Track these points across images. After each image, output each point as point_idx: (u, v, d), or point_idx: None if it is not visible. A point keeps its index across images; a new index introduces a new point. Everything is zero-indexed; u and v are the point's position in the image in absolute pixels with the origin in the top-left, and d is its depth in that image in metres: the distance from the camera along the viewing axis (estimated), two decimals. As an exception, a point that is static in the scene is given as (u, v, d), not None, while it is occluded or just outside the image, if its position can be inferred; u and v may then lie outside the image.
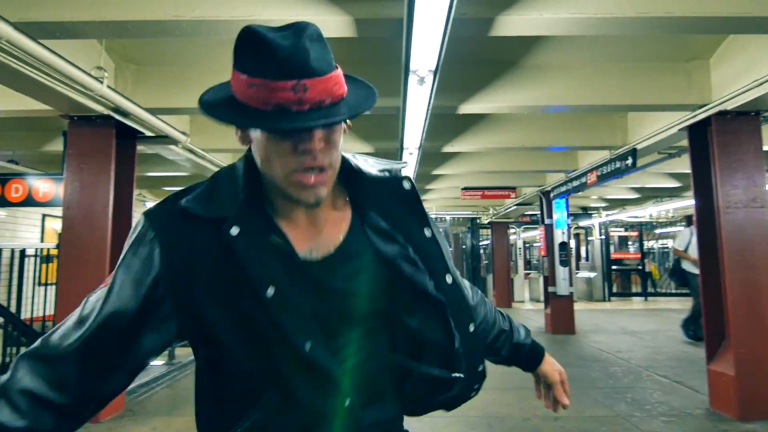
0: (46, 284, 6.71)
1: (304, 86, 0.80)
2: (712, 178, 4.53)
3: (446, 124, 6.13)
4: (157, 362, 6.28)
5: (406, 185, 1.00)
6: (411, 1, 2.43)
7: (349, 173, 0.98)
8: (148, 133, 5.01)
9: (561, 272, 9.17)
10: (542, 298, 10.76)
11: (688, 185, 9.17)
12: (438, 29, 2.71)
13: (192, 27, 3.05)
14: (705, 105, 4.61)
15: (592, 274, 16.07)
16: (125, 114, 4.55)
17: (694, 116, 4.76)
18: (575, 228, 17.03)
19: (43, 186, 6.47)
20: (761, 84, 3.94)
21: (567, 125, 6.40)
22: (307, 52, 0.81)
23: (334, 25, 3.08)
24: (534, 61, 4.69)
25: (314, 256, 0.92)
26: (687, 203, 11.40)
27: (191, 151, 6.06)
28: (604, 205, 14.66)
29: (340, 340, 0.92)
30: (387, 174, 1.00)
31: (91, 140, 4.53)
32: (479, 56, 4.48)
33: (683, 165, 5.82)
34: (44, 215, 10.66)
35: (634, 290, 17.15)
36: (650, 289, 16.59)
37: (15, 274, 6.17)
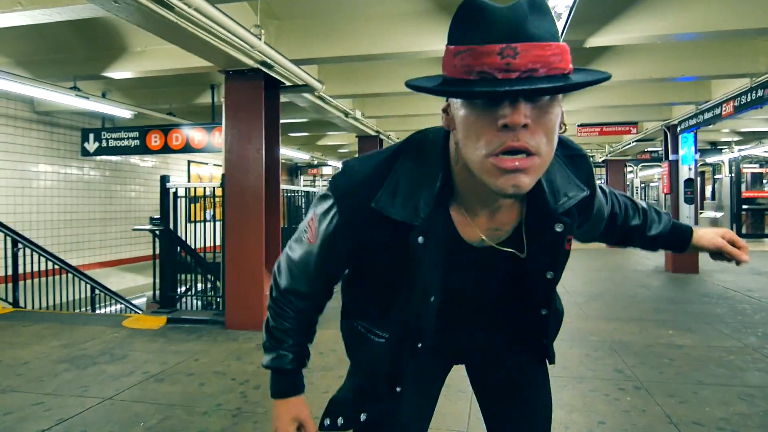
0: (195, 221, 7.34)
1: (514, 50, 0.72)
2: None
3: (575, 57, 6.04)
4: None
5: (563, 225, 0.98)
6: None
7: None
8: (288, 83, 5.54)
9: (685, 210, 8.79)
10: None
11: None
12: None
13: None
14: None
15: (719, 214, 14.99)
16: (270, 67, 5.09)
17: None
18: (701, 165, 15.80)
19: (197, 135, 7.39)
20: None
21: (700, 52, 6.01)
22: (525, 14, 0.73)
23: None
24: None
25: (477, 245, 0.99)
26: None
27: (321, 98, 6.58)
28: (737, 138, 13.41)
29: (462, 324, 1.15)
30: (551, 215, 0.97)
31: (245, 92, 5.15)
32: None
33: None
34: (189, 161, 12.03)
35: (767, 231, 15.77)
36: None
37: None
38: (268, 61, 4.87)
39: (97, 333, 5.07)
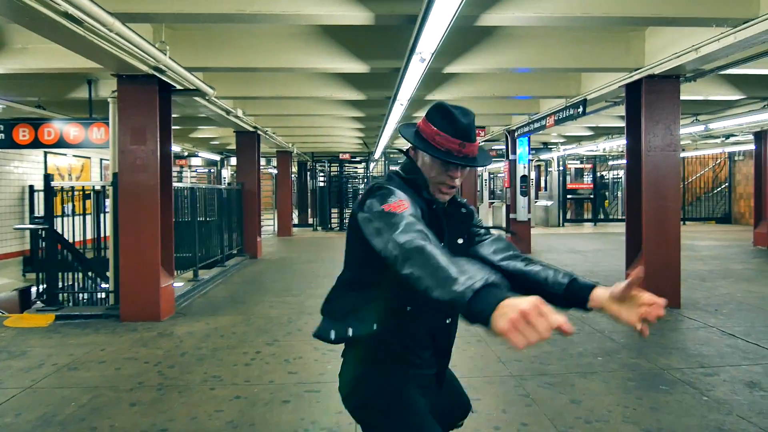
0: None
1: (464, 145, 1.47)
2: (640, 126, 5.80)
3: (433, 79, 7.14)
4: (179, 283, 7.35)
5: (467, 210, 1.68)
6: (427, 8, 3.42)
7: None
8: (180, 87, 5.86)
9: (521, 201, 10.60)
10: (504, 224, 12.22)
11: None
12: (444, 24, 3.71)
13: (250, 17, 3.96)
14: (638, 68, 5.79)
15: (549, 203, 17.76)
16: (163, 72, 5.39)
17: (630, 77, 5.95)
18: (537, 161, 18.48)
19: (73, 130, 7.22)
20: (680, 56, 5.10)
21: (531, 79, 7.54)
22: (472, 129, 1.50)
23: (354, 15, 4.05)
24: (505, 30, 5.72)
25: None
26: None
27: (208, 100, 6.92)
28: (562, 140, 16.04)
29: None
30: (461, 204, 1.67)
31: (139, 95, 5.40)
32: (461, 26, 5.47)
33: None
34: (45, 152, 11.24)
35: (586, 217, 19.10)
36: (600, 216, 18.54)
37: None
38: (162, 67, 5.18)
39: (-20, 334, 5.02)
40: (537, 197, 19.55)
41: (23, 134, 7.21)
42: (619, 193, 20.01)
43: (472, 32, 5.61)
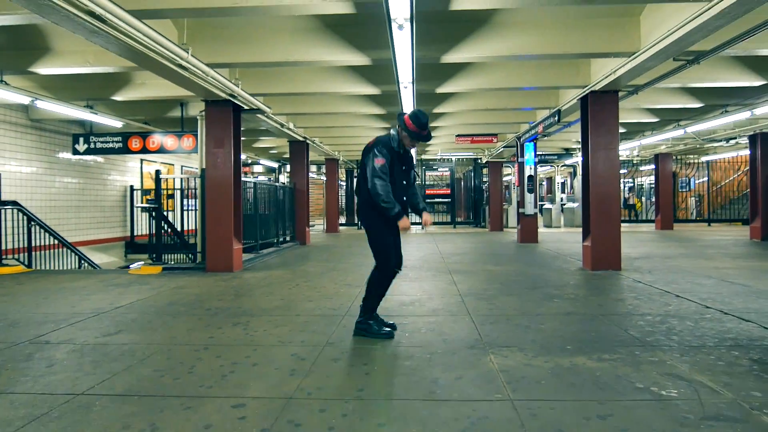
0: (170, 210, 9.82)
1: (428, 132, 4.04)
2: (588, 131, 7.58)
3: (434, 71, 9.20)
4: (245, 255, 9.68)
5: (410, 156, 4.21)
6: None
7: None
8: (247, 107, 8.21)
9: (528, 197, 12.35)
10: (516, 220, 13.89)
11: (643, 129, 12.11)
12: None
13: (247, 11, 6.10)
14: (586, 86, 7.60)
15: (575, 205, 19.15)
16: (235, 97, 7.73)
17: (582, 93, 7.76)
18: (562, 165, 19.93)
19: (170, 140, 9.80)
20: (612, 73, 6.87)
21: (527, 95, 9.47)
22: (426, 125, 3.99)
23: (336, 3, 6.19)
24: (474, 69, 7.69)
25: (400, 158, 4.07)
26: (651, 140, 14.37)
27: (267, 116, 9.27)
28: (578, 146, 17.50)
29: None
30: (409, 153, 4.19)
31: (219, 114, 7.77)
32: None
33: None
34: (141, 160, 14.09)
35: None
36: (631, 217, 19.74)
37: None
38: (235, 94, 7.52)
39: (115, 276, 7.49)
40: (564, 200, 20.97)
41: (135, 143, 9.86)
42: (642, 198, 21.15)
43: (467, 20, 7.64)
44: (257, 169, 20.76)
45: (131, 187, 13.24)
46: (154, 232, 8.39)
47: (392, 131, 4.05)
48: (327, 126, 12.26)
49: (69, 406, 2.68)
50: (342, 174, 23.50)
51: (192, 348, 3.74)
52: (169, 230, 8.92)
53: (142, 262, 8.78)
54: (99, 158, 12.40)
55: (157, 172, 8.54)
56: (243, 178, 9.81)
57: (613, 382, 2.94)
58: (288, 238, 12.61)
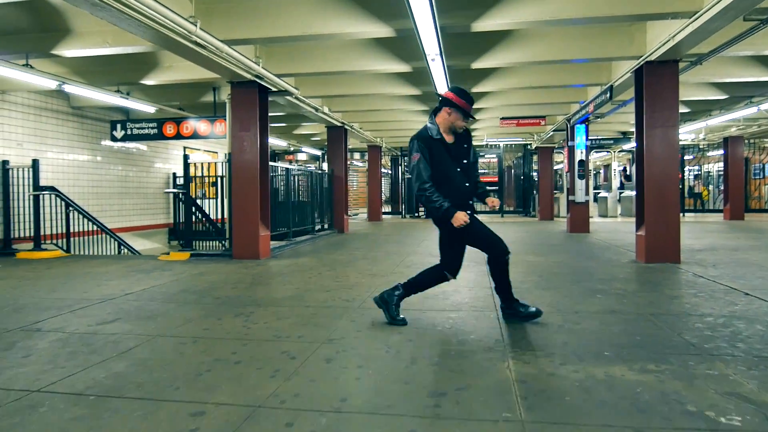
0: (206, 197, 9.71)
1: (472, 108, 3.67)
2: (643, 108, 6.77)
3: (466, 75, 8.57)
4: (277, 243, 9.46)
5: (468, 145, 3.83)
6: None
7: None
8: (275, 89, 7.89)
9: (579, 184, 11.47)
10: (565, 209, 13.00)
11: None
12: None
13: (311, 37, 5.76)
14: (641, 56, 6.76)
15: (632, 193, 17.87)
16: (262, 78, 7.42)
17: (638, 64, 6.92)
18: (619, 151, 18.64)
19: (203, 126, 9.67)
20: (671, 39, 6.04)
21: (576, 70, 8.66)
22: (472, 101, 3.70)
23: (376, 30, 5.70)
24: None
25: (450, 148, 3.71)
26: (718, 121, 13.04)
27: (297, 98, 8.94)
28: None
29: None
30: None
31: (244, 96, 7.49)
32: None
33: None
34: (185, 147, 14.19)
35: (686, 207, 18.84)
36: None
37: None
38: (259, 74, 7.21)
39: (143, 262, 7.41)
40: (623, 188, 19.66)
41: (169, 129, 9.80)
42: (710, 186, 19.40)
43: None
44: (301, 156, 20.70)
45: (173, 174, 13.35)
46: (182, 219, 8.27)
47: (428, 123, 3.68)
48: (365, 110, 11.81)
49: (16, 405, 2.40)
50: (387, 161, 23.07)
51: (179, 341, 3.43)
52: (202, 217, 8.80)
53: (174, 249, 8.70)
54: (142, 146, 12.56)
55: (185, 156, 8.41)
56: (275, 164, 9.59)
57: (657, 402, 2.36)
58: (326, 226, 12.35)
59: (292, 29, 5.87)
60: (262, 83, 7.52)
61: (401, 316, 3.80)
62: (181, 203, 8.27)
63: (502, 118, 12.32)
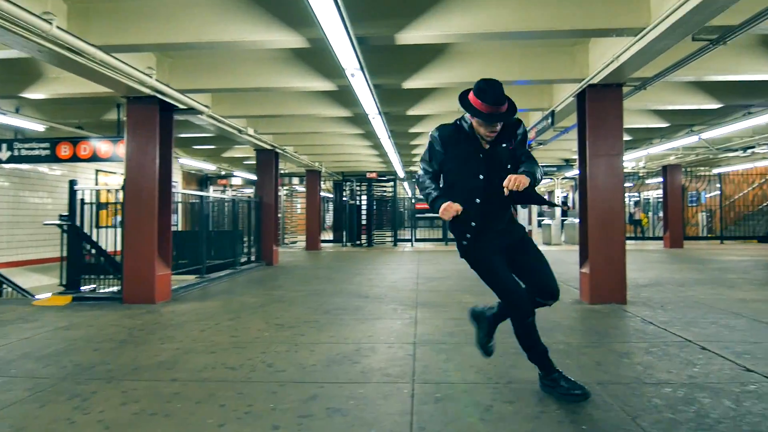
0: (104, 227, 8.44)
1: (496, 109, 2.74)
2: (585, 134, 6.23)
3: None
4: (186, 277, 8.34)
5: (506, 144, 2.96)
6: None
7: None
8: (182, 107, 6.90)
9: (521, 212, 10.95)
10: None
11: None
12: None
13: (207, 45, 4.87)
14: (583, 79, 6.25)
15: (576, 220, 17.70)
16: (164, 93, 6.44)
17: (580, 88, 6.41)
18: (562, 178, 18.56)
19: (104, 146, 8.51)
20: (615, 59, 5.52)
21: (517, 93, 8.12)
22: (498, 98, 2.73)
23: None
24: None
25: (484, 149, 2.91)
26: (659, 149, 12.94)
27: (213, 117, 7.97)
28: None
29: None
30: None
31: (142, 113, 6.47)
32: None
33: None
34: (97, 170, 12.82)
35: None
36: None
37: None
38: (159, 89, 6.22)
39: (8, 309, 6.13)
40: (565, 215, 19.56)
41: (64, 150, 8.57)
42: (649, 213, 19.67)
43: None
44: (236, 181, 19.50)
45: (81, 200, 11.93)
46: (65, 254, 7.03)
47: (467, 114, 2.92)
48: (297, 132, 10.94)
49: None
50: (330, 186, 22.20)
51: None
52: (96, 252, 7.56)
53: (58, 291, 7.42)
54: (43, 167, 11.15)
55: (71, 182, 7.22)
56: (188, 191, 8.52)
57: None
58: (253, 258, 11.25)
59: (184, 35, 4.96)
60: (165, 99, 6.52)
61: (577, 389, 2.96)
62: (64, 236, 7.04)
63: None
